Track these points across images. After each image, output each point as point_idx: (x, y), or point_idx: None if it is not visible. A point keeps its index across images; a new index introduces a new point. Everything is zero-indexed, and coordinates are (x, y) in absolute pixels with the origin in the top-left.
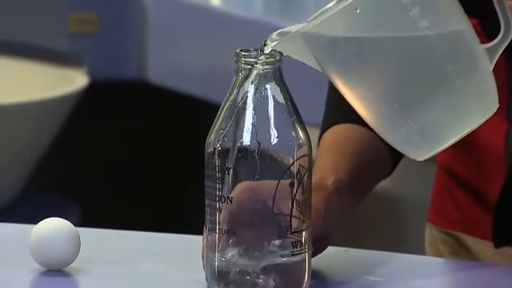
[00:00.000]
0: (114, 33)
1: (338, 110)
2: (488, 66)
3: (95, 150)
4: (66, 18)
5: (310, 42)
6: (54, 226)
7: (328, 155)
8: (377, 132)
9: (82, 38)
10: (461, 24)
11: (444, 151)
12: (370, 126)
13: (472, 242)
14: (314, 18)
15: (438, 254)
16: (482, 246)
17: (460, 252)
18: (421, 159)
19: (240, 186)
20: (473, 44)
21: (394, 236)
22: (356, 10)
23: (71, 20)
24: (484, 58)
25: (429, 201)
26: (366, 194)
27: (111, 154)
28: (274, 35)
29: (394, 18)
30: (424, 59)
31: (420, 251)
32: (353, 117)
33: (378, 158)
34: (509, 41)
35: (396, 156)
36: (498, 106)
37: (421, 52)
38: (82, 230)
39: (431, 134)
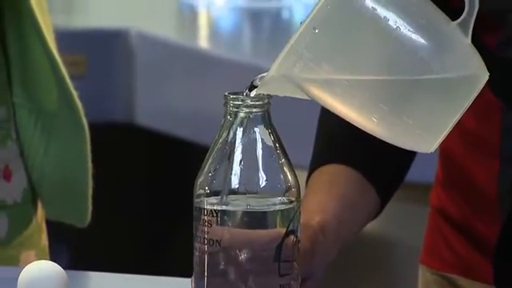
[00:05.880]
0: (101, 75)
1: (326, 151)
2: (465, 40)
3: None
4: None
5: (286, 77)
6: (42, 269)
7: (314, 196)
8: (380, 138)
9: (71, 81)
10: (427, 9)
11: (436, 192)
12: (371, 133)
13: (467, 284)
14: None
15: None
16: None
17: None
18: (432, 150)
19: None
20: (442, 24)
21: (387, 279)
22: (315, 29)
23: None
24: (458, 35)
25: (421, 243)
26: (353, 235)
27: (99, 196)
28: (257, 80)
29: (354, 27)
30: (397, 54)
31: None
32: (340, 157)
33: (366, 198)
34: (477, 8)
35: (384, 196)
36: (488, 76)
37: (392, 48)
38: (71, 273)
39: (428, 122)
